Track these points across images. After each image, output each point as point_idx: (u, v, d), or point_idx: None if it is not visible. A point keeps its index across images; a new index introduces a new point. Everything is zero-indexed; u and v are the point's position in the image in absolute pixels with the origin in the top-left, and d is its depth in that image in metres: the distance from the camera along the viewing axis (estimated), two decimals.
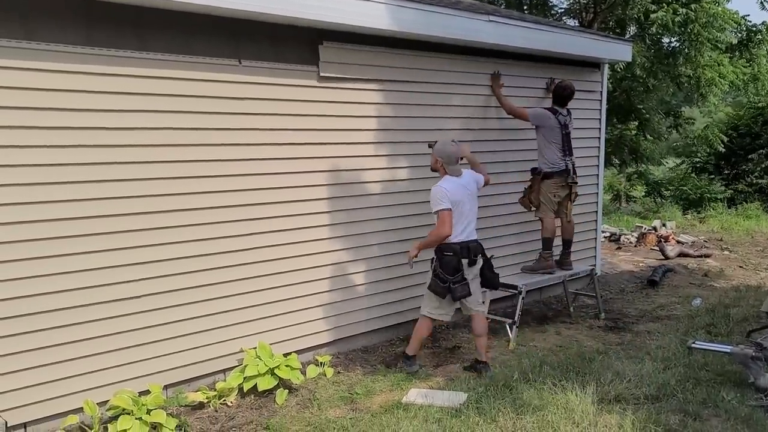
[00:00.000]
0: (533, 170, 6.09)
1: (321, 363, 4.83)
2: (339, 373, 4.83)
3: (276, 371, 4.32)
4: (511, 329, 5.47)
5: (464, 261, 4.58)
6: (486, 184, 4.94)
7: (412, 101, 5.55)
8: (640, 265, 9.15)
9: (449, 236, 4.53)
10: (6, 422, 3.61)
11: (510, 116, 6.09)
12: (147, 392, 4.00)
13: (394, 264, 5.44)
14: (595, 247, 7.74)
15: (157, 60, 4.08)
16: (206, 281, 4.42)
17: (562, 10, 14.36)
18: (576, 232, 7.20)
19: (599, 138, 7.60)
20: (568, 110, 6.09)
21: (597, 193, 7.68)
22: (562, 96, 6.04)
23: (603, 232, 11.60)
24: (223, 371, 4.57)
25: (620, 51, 7.51)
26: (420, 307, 4.85)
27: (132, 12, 3.94)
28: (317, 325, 5.08)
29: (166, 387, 4.29)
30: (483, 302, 4.96)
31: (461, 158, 4.73)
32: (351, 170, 5.16)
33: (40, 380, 3.79)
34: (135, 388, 4.03)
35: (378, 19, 4.84)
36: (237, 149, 4.49)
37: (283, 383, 4.37)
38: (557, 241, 6.25)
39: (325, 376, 4.69)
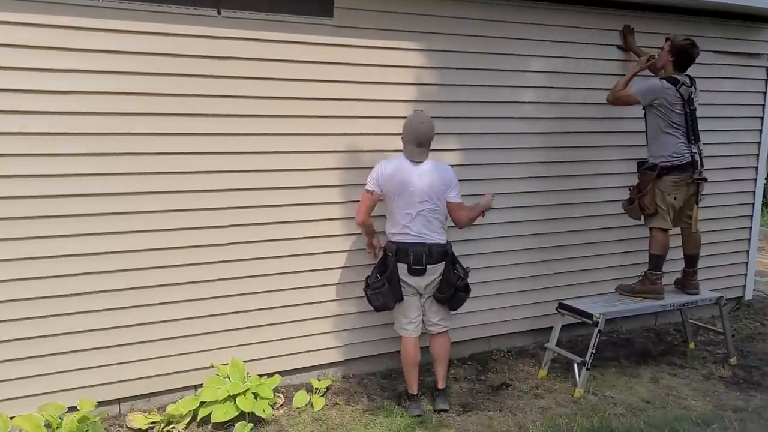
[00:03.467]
0: (641, 164, 4.50)
1: (316, 389, 3.91)
2: (336, 405, 3.86)
3: (239, 399, 3.47)
4: (579, 371, 4.09)
5: (401, 266, 3.61)
6: (460, 221, 3.81)
7: (470, 64, 4.31)
8: None
9: (360, 224, 3.75)
10: None
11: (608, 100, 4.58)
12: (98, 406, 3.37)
13: None
14: (747, 263, 5.87)
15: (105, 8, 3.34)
16: (172, 280, 3.67)
17: None
18: (725, 241, 5.55)
19: (762, 119, 5.67)
20: (691, 78, 4.39)
21: (754, 192, 5.78)
22: (687, 56, 4.32)
23: None
24: (194, 387, 3.83)
25: None
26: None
27: None
28: (322, 340, 4.14)
29: (119, 401, 3.66)
30: (444, 317, 3.84)
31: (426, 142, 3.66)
32: (376, 151, 4.08)
33: None
34: (69, 401, 3.43)
35: None
36: (215, 121, 3.65)
37: (248, 414, 3.51)
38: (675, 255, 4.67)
39: (312, 408, 3.76)
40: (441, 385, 3.86)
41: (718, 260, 5.64)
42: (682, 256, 4.67)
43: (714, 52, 5.24)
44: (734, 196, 5.64)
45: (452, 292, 3.69)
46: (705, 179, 4.37)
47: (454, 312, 3.88)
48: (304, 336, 4.08)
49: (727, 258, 5.71)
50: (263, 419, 3.56)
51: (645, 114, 4.43)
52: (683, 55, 4.32)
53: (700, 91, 4.48)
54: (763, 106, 5.64)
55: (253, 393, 3.54)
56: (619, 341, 5.09)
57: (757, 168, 5.74)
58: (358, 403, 3.90)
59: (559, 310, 4.36)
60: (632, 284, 4.60)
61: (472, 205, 3.86)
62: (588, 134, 4.85)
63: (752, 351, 4.92)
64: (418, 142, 3.60)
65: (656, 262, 4.48)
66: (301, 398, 3.80)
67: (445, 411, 3.77)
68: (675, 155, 4.29)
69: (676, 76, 4.30)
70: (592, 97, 4.78)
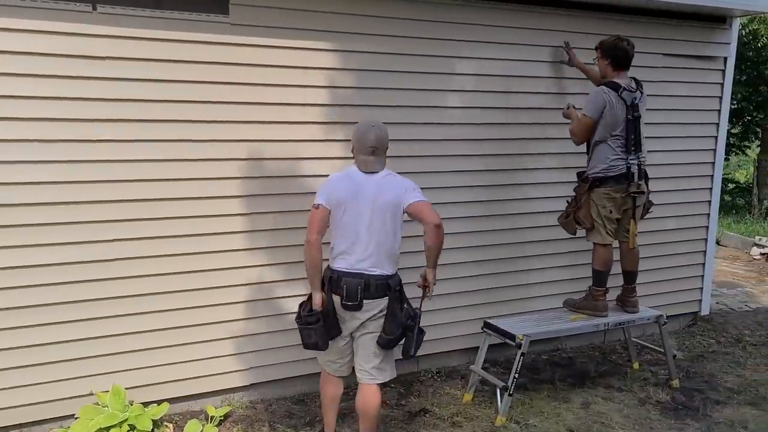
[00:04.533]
0: (579, 175, 4.20)
1: (212, 417, 3.60)
2: None
3: None
4: (501, 397, 3.79)
5: (335, 298, 3.03)
6: (433, 217, 3.00)
7: (391, 66, 4.02)
8: None
9: (311, 242, 2.98)
10: None
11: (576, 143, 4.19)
12: None
13: None
14: (702, 276, 5.57)
15: None
16: (47, 299, 3.36)
17: None
18: (678, 253, 5.28)
19: (718, 125, 5.38)
20: (637, 82, 4.06)
21: (709, 202, 5.49)
22: (620, 50, 3.96)
23: (760, 246, 9.04)
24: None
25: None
26: None
27: None
28: (225, 363, 3.83)
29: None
30: (379, 367, 3.13)
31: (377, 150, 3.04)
32: (283, 159, 3.79)
33: None
34: None
35: None
36: (94, 127, 3.35)
37: None
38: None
39: None
40: None
41: (672, 273, 5.36)
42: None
43: (664, 54, 4.95)
44: (688, 206, 5.35)
45: (401, 333, 3.04)
46: (642, 192, 4.06)
47: (409, 358, 3.19)
48: (205, 359, 3.78)
49: (681, 271, 5.43)
50: None
51: None
52: (615, 52, 3.99)
53: (649, 95, 4.20)
54: (719, 111, 5.35)
55: (129, 425, 3.22)
56: (561, 360, 4.79)
57: (712, 176, 5.44)
58: None
59: (484, 329, 4.05)
60: (577, 299, 4.30)
61: None
62: (526, 141, 4.56)
63: (699, 372, 4.62)
64: (371, 150, 3.01)
65: (598, 277, 4.18)
66: (191, 428, 3.48)
67: None
68: (609, 166, 3.98)
69: (617, 80, 3.98)
70: (529, 102, 4.49)
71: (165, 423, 3.52)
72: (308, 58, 3.77)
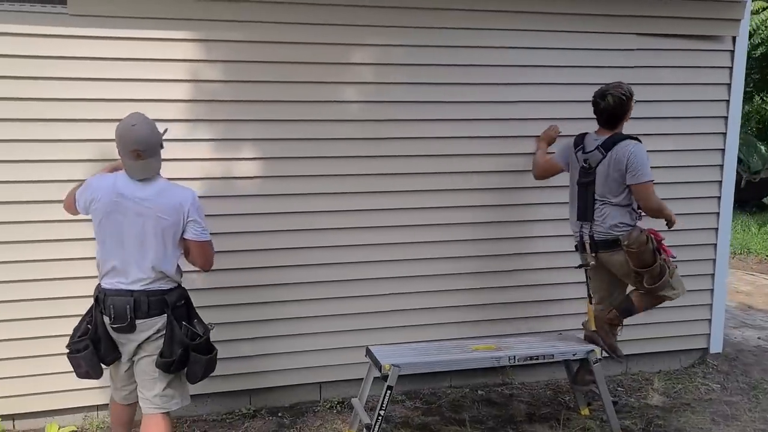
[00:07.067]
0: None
1: None
2: None
3: None
4: None
5: (106, 319, 2.66)
6: (207, 261, 2.85)
7: (263, 56, 3.59)
8: None
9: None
10: None
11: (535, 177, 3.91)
12: None
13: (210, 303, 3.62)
14: (711, 305, 4.53)
15: None
16: None
17: None
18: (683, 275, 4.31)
19: (726, 118, 4.36)
20: (614, 139, 3.42)
21: (718, 214, 4.46)
22: (598, 110, 3.48)
23: None
24: None
25: None
26: None
27: None
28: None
29: None
30: (163, 394, 2.75)
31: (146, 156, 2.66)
32: None
33: None
34: None
35: None
36: None
37: None
38: None
39: None
40: None
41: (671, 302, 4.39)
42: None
43: (654, 35, 4.09)
44: (687, 220, 4.35)
45: (180, 354, 2.66)
46: (588, 265, 3.53)
47: (182, 383, 2.82)
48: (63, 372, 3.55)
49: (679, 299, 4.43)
50: None
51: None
52: (594, 108, 3.50)
53: (634, 84, 3.56)
54: (727, 102, 4.34)
55: None
56: (497, 398, 4.07)
57: (720, 183, 4.42)
58: None
59: (366, 356, 3.48)
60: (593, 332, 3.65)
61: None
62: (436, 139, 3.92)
63: (665, 426, 3.71)
64: (135, 153, 2.61)
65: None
66: None
67: None
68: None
69: (587, 133, 3.58)
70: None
71: None
72: (163, 49, 3.44)
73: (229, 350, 3.63)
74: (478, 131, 3.93)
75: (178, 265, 2.75)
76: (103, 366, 2.78)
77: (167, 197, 2.67)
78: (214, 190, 3.60)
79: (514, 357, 3.35)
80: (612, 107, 3.39)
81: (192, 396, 3.43)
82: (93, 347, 2.67)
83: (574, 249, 3.66)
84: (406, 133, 3.83)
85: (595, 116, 3.51)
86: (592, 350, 3.42)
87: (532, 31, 3.92)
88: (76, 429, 3.52)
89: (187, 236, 2.73)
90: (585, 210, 3.50)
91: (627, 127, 3.56)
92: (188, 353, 2.68)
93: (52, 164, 3.40)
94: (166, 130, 2.78)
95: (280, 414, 3.81)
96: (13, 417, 3.53)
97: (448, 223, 3.97)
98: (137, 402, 2.89)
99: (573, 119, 3.88)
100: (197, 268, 2.94)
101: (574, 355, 3.47)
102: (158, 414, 2.75)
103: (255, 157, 3.65)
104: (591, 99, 3.48)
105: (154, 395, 2.74)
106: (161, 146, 2.71)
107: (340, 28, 3.65)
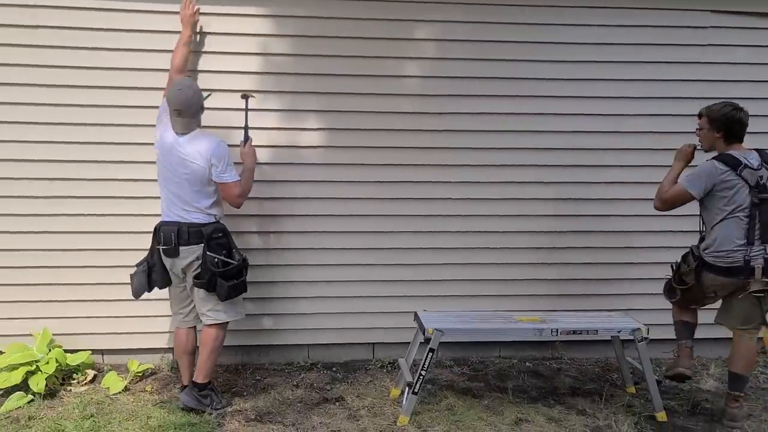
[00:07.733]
0: (692, 252, 3.51)
1: (131, 371, 3.80)
2: (143, 391, 3.69)
3: (20, 369, 3.50)
4: (405, 396, 3.42)
5: (160, 248, 3.28)
6: (232, 199, 3.34)
7: (328, 32, 3.77)
8: None
9: None
10: None
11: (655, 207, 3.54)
12: None
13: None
14: None
15: None
16: None
17: None
18: None
19: None
20: (763, 155, 3.32)
21: None
22: (735, 123, 3.31)
23: None
24: None
25: None
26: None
27: None
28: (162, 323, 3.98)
29: None
30: (214, 309, 3.35)
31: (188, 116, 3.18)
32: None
33: None
34: None
35: None
36: None
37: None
38: None
39: (108, 390, 3.63)
40: (193, 378, 3.43)
41: None
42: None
43: (712, 11, 3.97)
44: None
45: (209, 278, 3.23)
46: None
47: (229, 300, 3.33)
48: (143, 317, 3.96)
49: None
50: (46, 393, 3.53)
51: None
52: (730, 124, 3.32)
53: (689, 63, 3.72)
54: None
55: (41, 365, 3.54)
56: (544, 371, 4.17)
57: None
58: (164, 393, 3.69)
59: (414, 320, 3.68)
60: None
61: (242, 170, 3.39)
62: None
63: (711, 410, 3.69)
64: (177, 112, 3.16)
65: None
66: (107, 379, 3.71)
67: (191, 409, 3.39)
68: (725, 253, 3.32)
69: (732, 152, 3.31)
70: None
71: (85, 371, 3.79)
72: (237, 24, 3.70)
73: (288, 307, 3.95)
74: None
75: (214, 203, 3.25)
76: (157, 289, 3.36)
77: (195, 145, 3.19)
78: (281, 158, 3.86)
79: (557, 330, 3.44)
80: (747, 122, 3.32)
81: (255, 347, 3.85)
82: (147, 269, 3.29)
83: (724, 273, 3.34)
84: (473, 108, 3.97)
85: (724, 133, 3.33)
86: (638, 328, 3.45)
87: (604, 8, 3.92)
88: (153, 366, 3.93)
89: (212, 178, 3.23)
90: (764, 231, 3.27)
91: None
92: (215, 278, 3.21)
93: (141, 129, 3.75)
94: (209, 95, 3.30)
95: (334, 369, 4.09)
96: (102, 352, 3.99)
97: (515, 198, 4.12)
98: (194, 328, 3.46)
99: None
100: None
101: (619, 331, 3.51)
102: (212, 325, 3.38)
103: (319, 127, 3.88)
104: (727, 111, 3.31)
105: (207, 310, 3.36)
106: (201, 109, 3.21)
107: (402, 3, 3.77)
